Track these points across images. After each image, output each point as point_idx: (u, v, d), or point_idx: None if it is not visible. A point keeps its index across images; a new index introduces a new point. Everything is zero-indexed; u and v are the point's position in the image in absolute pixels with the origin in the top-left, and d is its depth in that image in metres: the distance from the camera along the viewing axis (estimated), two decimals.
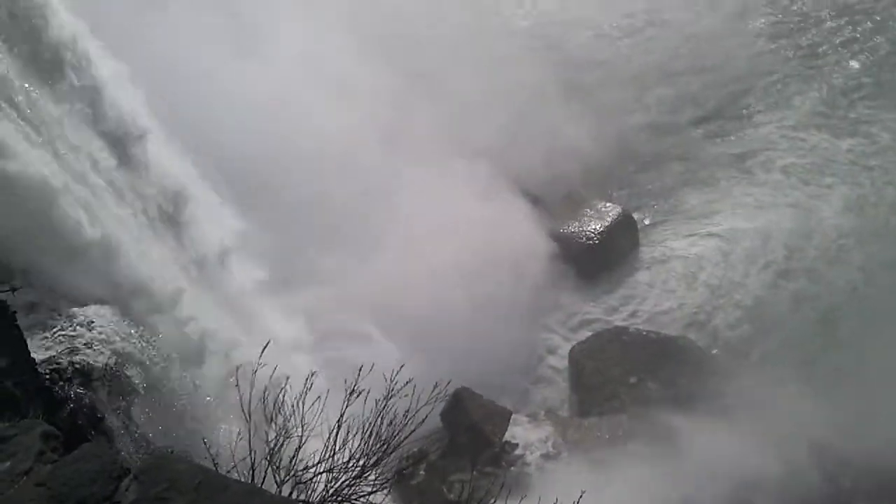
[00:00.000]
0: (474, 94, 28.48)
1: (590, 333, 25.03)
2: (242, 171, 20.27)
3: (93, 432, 10.32)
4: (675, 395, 21.76)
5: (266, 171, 21.86)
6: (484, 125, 27.98)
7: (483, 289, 23.26)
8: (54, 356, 10.18)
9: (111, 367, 10.67)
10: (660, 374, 22.64)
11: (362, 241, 23.39)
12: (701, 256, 27.44)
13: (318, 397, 8.18)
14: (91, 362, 10.51)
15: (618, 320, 25.77)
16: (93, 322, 10.67)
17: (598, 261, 27.09)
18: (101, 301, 11.20)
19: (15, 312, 9.16)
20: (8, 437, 3.25)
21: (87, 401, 10.20)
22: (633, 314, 26.07)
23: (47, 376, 9.86)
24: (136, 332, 11.28)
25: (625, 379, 22.80)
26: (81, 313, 10.73)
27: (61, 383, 10.04)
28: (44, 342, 10.23)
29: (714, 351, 24.32)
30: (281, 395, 7.61)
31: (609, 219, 27.86)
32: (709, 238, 28.08)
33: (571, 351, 24.23)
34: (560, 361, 24.62)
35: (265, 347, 7.02)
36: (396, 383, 8.54)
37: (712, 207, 29.37)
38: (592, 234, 27.32)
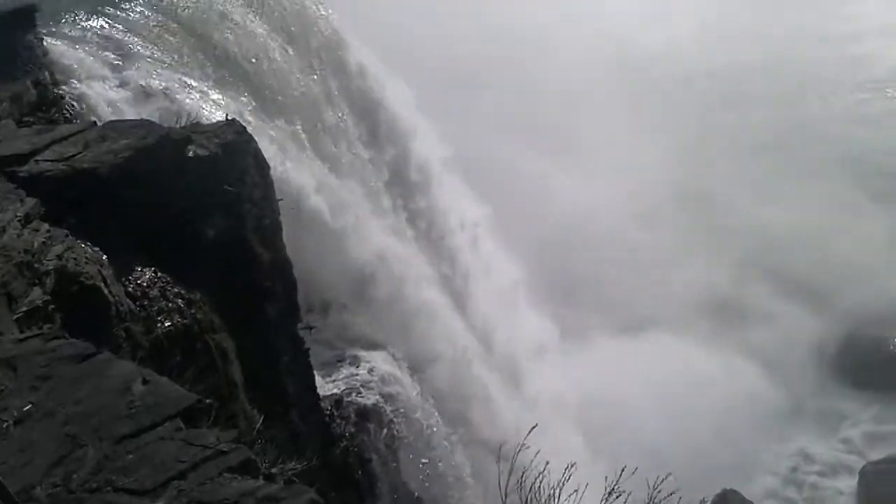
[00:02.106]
0: None
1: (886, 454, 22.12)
2: None
3: (360, 472, 10.83)
4: None
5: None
6: None
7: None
8: (336, 394, 10.86)
9: (385, 413, 11.17)
10: None
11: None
12: None
13: (576, 490, 7.82)
14: (367, 404, 11.06)
15: None
16: (374, 368, 11.28)
17: None
18: (384, 347, 11.84)
19: (308, 349, 9.88)
20: (279, 498, 3.37)
21: (358, 441, 10.73)
22: None
23: (328, 412, 10.52)
24: (414, 384, 11.78)
25: None
26: (366, 357, 11.40)
27: (339, 421, 10.66)
28: (328, 380, 10.97)
29: None
30: (539, 482, 7.35)
31: None
32: None
33: (863, 470, 21.58)
34: (847, 480, 22.04)
35: (531, 430, 6.88)
36: (660, 491, 7.96)
37: None
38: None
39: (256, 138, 9.81)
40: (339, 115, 14.61)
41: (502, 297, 18.09)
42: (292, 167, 11.55)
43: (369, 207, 13.53)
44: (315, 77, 14.63)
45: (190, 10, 13.23)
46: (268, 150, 10.46)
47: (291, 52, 14.41)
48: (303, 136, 12.87)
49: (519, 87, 28.54)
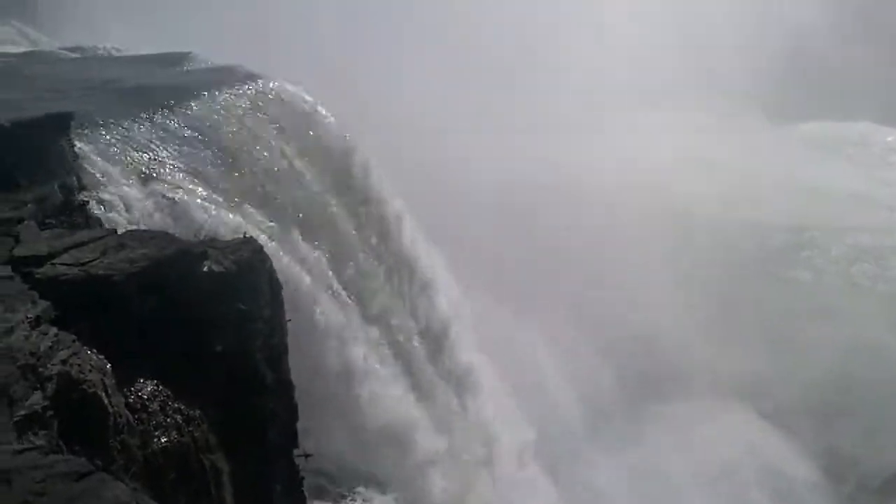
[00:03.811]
0: None
1: None
2: None
3: None
4: None
5: None
6: None
7: None
8: None
9: None
10: None
11: None
12: None
13: None
14: None
15: None
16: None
17: None
18: (379, 483, 11.48)
19: (303, 478, 9.55)
20: None
21: None
22: None
23: None
24: None
25: None
26: (361, 492, 11.01)
27: None
28: None
29: None
30: None
31: None
32: None
33: None
34: None
35: None
36: None
37: None
38: None
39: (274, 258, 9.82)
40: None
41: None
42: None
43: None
44: (335, 202, 14.90)
45: (219, 128, 13.57)
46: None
47: (315, 177, 14.68)
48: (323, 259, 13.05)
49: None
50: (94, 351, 7.24)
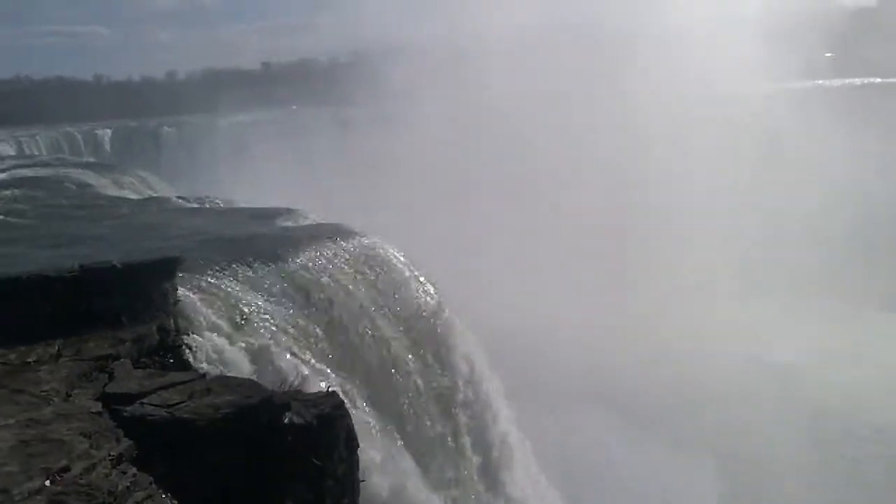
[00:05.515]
0: None
1: None
2: None
3: None
4: None
5: None
6: None
7: None
8: None
9: None
10: None
11: None
12: None
13: None
14: None
15: None
16: None
17: None
18: None
19: None
20: None
21: None
22: None
23: None
24: None
25: None
26: None
27: None
28: None
29: None
30: None
31: None
32: None
33: None
34: None
35: None
36: None
37: None
38: None
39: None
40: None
41: None
42: None
43: None
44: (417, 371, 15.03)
45: (311, 283, 14.00)
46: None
47: (400, 341, 14.86)
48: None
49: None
50: (169, 495, 7.24)
